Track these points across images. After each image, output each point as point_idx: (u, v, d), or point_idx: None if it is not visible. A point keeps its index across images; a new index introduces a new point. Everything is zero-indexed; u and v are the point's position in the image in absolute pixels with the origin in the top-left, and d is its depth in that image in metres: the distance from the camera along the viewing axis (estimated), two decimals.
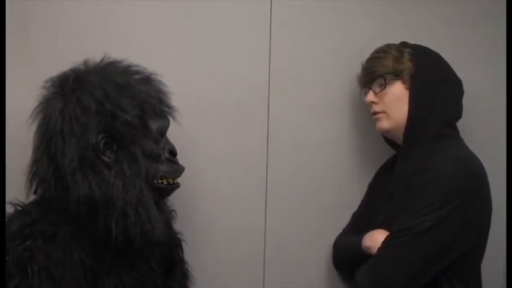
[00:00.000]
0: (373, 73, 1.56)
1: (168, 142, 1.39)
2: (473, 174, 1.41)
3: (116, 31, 1.59)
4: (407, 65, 1.52)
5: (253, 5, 1.69)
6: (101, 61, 1.35)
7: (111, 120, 1.25)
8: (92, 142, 1.23)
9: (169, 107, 1.40)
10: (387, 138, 1.64)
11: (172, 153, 1.37)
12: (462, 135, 1.54)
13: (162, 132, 1.37)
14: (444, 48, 1.57)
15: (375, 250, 1.43)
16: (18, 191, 1.33)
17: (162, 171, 1.34)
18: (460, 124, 1.55)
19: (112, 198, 1.24)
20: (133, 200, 1.25)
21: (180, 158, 1.41)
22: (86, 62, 1.35)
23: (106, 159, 1.26)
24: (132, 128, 1.27)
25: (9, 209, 1.30)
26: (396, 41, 1.60)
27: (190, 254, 1.55)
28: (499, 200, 1.49)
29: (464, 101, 1.55)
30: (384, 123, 1.54)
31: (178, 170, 1.38)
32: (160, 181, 1.34)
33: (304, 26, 1.71)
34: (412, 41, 1.58)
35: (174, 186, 1.39)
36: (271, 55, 1.70)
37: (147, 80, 1.37)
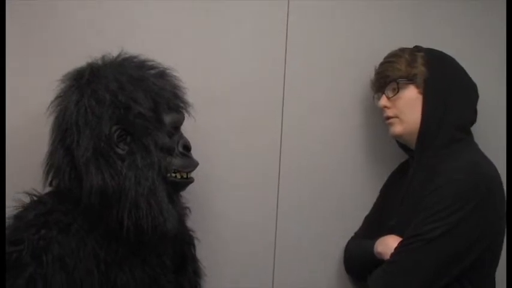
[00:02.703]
0: (386, 77, 1.54)
1: (182, 136, 1.40)
2: (486, 178, 1.38)
3: (134, 30, 1.61)
4: (420, 69, 1.50)
5: (271, 6, 1.69)
6: (118, 56, 1.38)
7: (124, 112, 1.27)
8: (105, 133, 1.25)
9: (184, 101, 1.41)
10: (400, 143, 1.61)
11: (186, 147, 1.38)
12: None
13: (176, 126, 1.38)
14: (458, 53, 1.55)
15: (387, 256, 1.42)
16: (35, 183, 1.34)
17: (175, 164, 1.34)
18: None
19: (124, 190, 1.25)
20: (145, 191, 1.26)
21: (194, 156, 1.41)
22: (103, 57, 1.37)
23: (120, 151, 1.27)
24: (145, 120, 1.29)
25: (25, 199, 1.32)
26: (410, 45, 1.58)
27: (200, 252, 1.55)
28: None
29: None
30: (397, 128, 1.52)
31: (192, 164, 1.39)
32: (173, 175, 1.35)
33: (320, 29, 1.72)
34: (425, 45, 1.57)
35: (188, 180, 1.39)
36: (286, 57, 1.70)
37: (162, 74, 1.38)
